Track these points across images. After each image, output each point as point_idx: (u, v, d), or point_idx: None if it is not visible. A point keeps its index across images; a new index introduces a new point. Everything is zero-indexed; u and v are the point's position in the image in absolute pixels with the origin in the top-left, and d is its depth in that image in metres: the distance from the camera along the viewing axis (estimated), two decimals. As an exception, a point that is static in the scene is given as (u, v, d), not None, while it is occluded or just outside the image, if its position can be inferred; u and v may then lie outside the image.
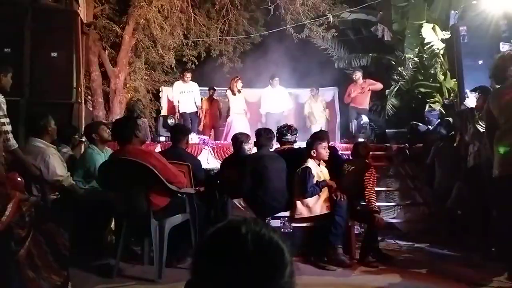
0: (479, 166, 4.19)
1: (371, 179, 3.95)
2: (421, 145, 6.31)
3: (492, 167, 3.05)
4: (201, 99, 8.61)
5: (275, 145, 4.48)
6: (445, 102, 6.44)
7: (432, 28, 7.02)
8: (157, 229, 3.10)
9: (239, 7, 8.87)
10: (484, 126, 3.71)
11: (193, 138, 6.31)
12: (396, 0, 7.98)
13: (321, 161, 3.97)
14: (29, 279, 2.16)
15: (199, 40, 9.29)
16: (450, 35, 6.15)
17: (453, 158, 5.08)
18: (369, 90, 7.61)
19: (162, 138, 6.69)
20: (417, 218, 5.81)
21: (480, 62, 5.51)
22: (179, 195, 3.39)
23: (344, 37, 9.79)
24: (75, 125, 4.66)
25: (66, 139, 4.20)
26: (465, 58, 5.26)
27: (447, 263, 3.79)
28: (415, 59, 7.71)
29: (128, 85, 8.85)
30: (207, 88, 8.78)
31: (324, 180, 3.83)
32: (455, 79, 6.18)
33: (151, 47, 8.80)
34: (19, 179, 2.51)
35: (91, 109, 7.80)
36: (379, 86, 7.65)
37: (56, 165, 3.36)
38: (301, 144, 4.50)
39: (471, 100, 4.47)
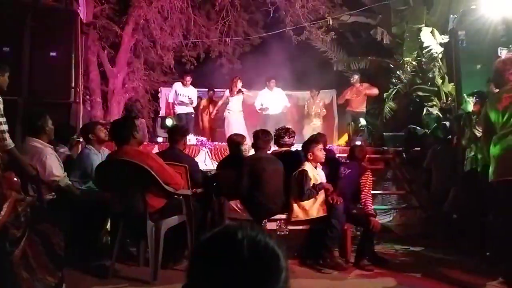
0: (475, 171, 4.21)
1: (367, 182, 3.96)
2: (419, 148, 6.33)
3: (489, 171, 3.06)
4: (201, 99, 8.63)
5: (273, 147, 4.49)
6: (442, 106, 6.46)
7: (431, 32, 7.05)
8: (153, 230, 3.10)
9: (239, 9, 8.88)
10: (481, 130, 3.72)
11: (191, 139, 6.30)
12: (396, 4, 8.01)
13: (318, 163, 3.99)
14: (23, 280, 2.15)
15: (198, 41, 9.29)
16: (448, 39, 6.17)
17: (450, 162, 5.10)
18: (365, 94, 7.76)
19: (160, 139, 6.68)
20: (413, 221, 5.82)
21: (478, 66, 5.53)
22: (175, 196, 3.39)
23: (343, 39, 9.81)
24: (73, 125, 4.65)
25: (64, 139, 4.19)
26: (463, 62, 5.28)
27: (442, 267, 3.79)
28: (414, 62, 7.73)
29: (126, 85, 8.84)
30: (206, 90, 8.79)
31: (320, 183, 3.84)
32: (453, 83, 6.19)
33: (150, 48, 8.80)
34: (15, 179, 2.51)
35: (89, 109, 7.78)
36: (375, 91, 7.80)
37: (53, 165, 3.35)
38: (297, 146, 4.51)
39: (468, 105, 4.48)
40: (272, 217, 3.87)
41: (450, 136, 5.43)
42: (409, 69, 7.82)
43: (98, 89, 8.16)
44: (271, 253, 0.80)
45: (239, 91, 7.59)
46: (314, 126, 8.17)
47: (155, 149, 5.86)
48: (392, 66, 8.37)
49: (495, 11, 5.12)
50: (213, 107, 8.58)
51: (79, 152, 4.27)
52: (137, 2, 7.75)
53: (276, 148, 4.45)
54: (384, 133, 7.30)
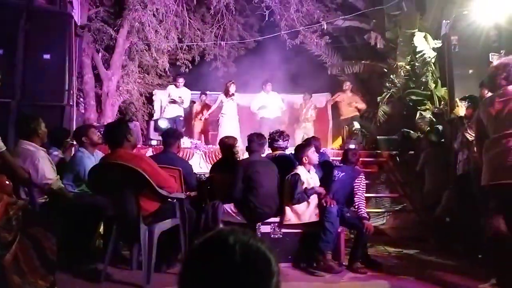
0: (468, 174, 4.24)
1: (361, 186, 3.99)
2: (412, 152, 6.37)
3: (481, 175, 3.09)
4: (194, 103, 8.60)
5: (267, 150, 4.50)
6: (435, 111, 6.52)
7: (424, 37, 7.10)
8: (146, 234, 3.08)
9: (234, 12, 8.90)
10: (473, 134, 3.76)
11: (185, 142, 6.29)
12: (389, 9, 8.08)
13: (311, 167, 4.00)
14: (14, 284, 2.13)
15: (193, 44, 9.29)
16: (441, 44, 6.24)
17: (443, 165, 5.14)
18: (356, 107, 8.24)
19: (153, 142, 6.66)
20: (406, 224, 5.85)
21: (470, 71, 5.60)
22: (169, 200, 3.38)
23: (338, 44, 9.89)
24: (66, 128, 4.62)
25: (57, 142, 4.16)
26: (455, 67, 5.34)
27: (435, 270, 3.81)
28: (407, 67, 7.78)
29: (121, 88, 8.81)
30: (199, 93, 8.76)
31: (312, 188, 3.85)
32: (445, 88, 6.25)
33: (145, 50, 8.78)
34: (7, 182, 2.49)
35: (83, 111, 7.75)
36: (363, 106, 8.31)
37: (46, 168, 3.33)
38: (290, 150, 4.53)
39: (461, 109, 4.53)
40: (266, 220, 3.87)
41: (443, 140, 5.48)
42: (402, 74, 7.87)
43: (92, 92, 8.13)
44: (263, 258, 0.82)
45: (232, 95, 7.57)
46: (305, 129, 8.23)
47: (149, 152, 5.85)
48: (386, 70, 8.42)
49: (487, 17, 5.18)
50: (206, 111, 8.56)
51: (72, 155, 4.25)
52: (132, 5, 7.74)
53: (270, 151, 4.46)
54: (378, 137, 7.35)
